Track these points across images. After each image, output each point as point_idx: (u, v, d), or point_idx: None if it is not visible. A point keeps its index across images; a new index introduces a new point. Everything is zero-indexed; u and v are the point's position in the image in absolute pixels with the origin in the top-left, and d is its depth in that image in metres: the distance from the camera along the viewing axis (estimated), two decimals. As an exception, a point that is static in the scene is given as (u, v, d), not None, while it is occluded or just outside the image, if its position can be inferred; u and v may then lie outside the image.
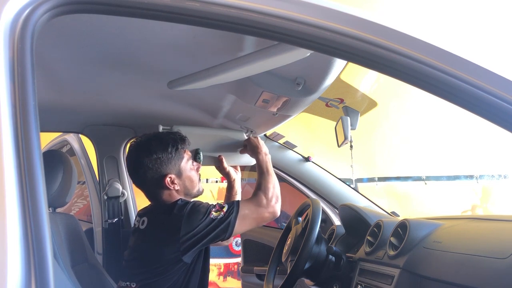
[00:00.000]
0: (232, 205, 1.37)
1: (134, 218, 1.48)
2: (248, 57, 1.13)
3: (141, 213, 1.45)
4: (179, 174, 1.41)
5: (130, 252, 1.41)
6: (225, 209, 1.35)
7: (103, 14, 0.74)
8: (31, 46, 0.62)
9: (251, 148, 1.67)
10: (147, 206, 1.49)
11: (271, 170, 1.54)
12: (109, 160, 2.08)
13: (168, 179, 1.38)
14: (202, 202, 1.38)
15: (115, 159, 2.09)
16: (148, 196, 1.45)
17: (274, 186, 1.48)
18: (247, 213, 1.38)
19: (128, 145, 1.46)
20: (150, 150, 1.38)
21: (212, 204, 1.37)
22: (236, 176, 1.75)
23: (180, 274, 1.33)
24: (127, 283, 1.35)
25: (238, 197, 1.76)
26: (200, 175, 1.51)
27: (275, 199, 1.45)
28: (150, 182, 1.39)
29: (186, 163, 1.44)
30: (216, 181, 4.52)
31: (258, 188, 1.47)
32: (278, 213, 1.46)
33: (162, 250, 1.31)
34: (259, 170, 1.56)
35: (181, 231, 1.29)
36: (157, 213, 1.39)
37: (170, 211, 1.34)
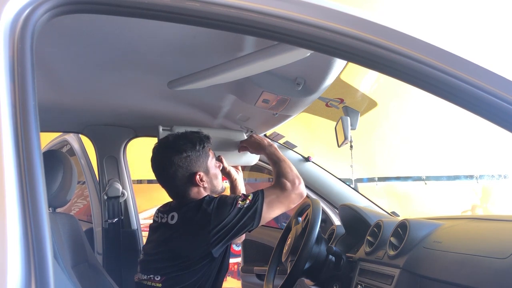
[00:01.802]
0: (257, 193, 1.40)
1: (154, 214, 1.51)
2: (248, 57, 1.13)
3: (165, 210, 1.45)
4: (207, 172, 1.45)
5: (154, 246, 1.43)
6: (250, 197, 1.38)
7: (103, 14, 0.74)
8: (31, 46, 0.62)
9: (254, 147, 1.67)
10: (170, 203, 1.50)
11: (283, 156, 1.55)
12: (109, 160, 2.08)
13: (198, 176, 1.41)
14: (228, 195, 1.41)
15: (115, 159, 2.09)
16: (174, 193, 1.47)
17: (291, 169, 1.49)
18: (273, 198, 1.40)
19: (153, 146, 1.47)
20: (180, 149, 1.40)
21: (238, 195, 1.40)
22: (238, 176, 1.75)
23: (205, 269, 1.35)
24: (150, 276, 1.36)
25: None
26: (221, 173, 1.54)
27: (297, 180, 1.45)
28: (181, 181, 1.42)
29: (211, 161, 1.48)
30: (216, 181, 4.50)
31: (277, 176, 1.48)
32: (305, 193, 1.46)
33: (193, 244, 1.34)
34: (270, 162, 1.57)
35: (211, 224, 1.31)
36: (188, 208, 1.40)
37: (200, 206, 1.36)
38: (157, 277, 1.35)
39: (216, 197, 1.39)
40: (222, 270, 1.43)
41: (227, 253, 1.44)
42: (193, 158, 1.41)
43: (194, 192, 1.43)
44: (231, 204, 1.35)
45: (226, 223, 1.33)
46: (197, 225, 1.34)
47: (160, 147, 1.46)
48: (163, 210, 1.47)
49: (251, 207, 1.36)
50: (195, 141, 1.43)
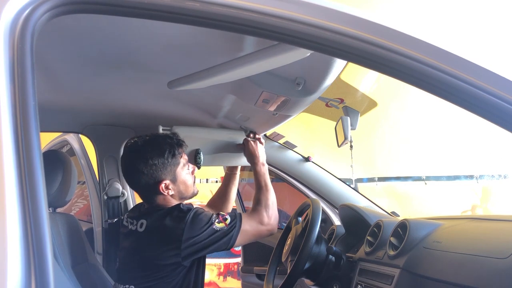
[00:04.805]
0: (235, 219, 1.36)
1: (124, 219, 1.46)
2: (248, 57, 1.12)
3: (135, 216, 1.42)
4: (174, 180, 1.39)
5: (126, 255, 1.40)
6: (227, 222, 1.34)
7: (103, 14, 0.74)
8: (31, 46, 0.62)
9: (248, 153, 1.66)
10: (140, 207, 1.47)
11: (269, 184, 1.54)
12: (109, 160, 2.08)
13: (163, 185, 1.36)
14: (204, 210, 1.37)
15: (115, 159, 2.08)
16: (142, 198, 1.44)
17: (273, 203, 1.48)
18: (248, 228, 1.38)
19: (123, 145, 1.44)
20: (146, 156, 1.35)
21: (215, 214, 1.36)
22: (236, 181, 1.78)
23: (179, 277, 1.33)
24: (126, 285, 1.34)
25: (233, 197, 1.78)
26: (195, 177, 1.50)
27: (274, 217, 1.45)
28: (145, 188, 1.38)
29: (182, 168, 1.41)
30: (216, 181, 4.52)
31: (259, 204, 1.46)
32: (276, 230, 1.47)
33: (163, 253, 1.30)
34: (257, 183, 1.55)
35: (183, 237, 1.28)
36: (157, 216, 1.36)
37: (172, 216, 1.32)
38: (132, 287, 1.33)
39: (192, 209, 1.34)
40: (201, 273, 1.40)
41: (201, 264, 1.41)
42: (159, 166, 1.35)
43: (161, 199, 1.39)
44: (206, 222, 1.31)
45: (198, 239, 1.29)
46: (168, 235, 1.30)
47: (128, 151, 1.41)
48: (133, 215, 1.43)
49: (226, 233, 1.32)
50: (164, 149, 1.37)
